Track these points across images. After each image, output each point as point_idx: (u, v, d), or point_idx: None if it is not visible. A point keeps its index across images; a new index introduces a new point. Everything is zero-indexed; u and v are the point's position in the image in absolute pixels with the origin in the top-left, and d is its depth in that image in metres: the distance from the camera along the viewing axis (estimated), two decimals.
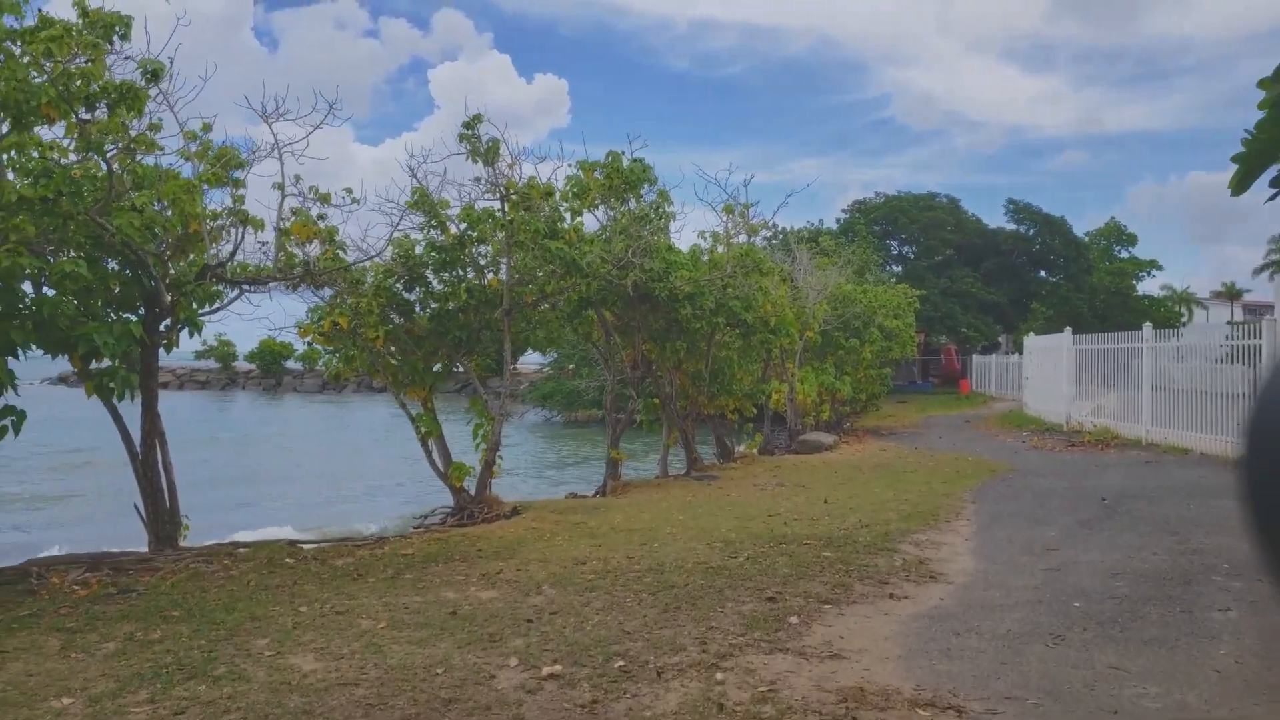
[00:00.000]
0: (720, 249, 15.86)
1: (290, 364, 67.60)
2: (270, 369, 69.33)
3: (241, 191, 10.30)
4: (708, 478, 14.94)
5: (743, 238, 15.50)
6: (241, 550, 9.38)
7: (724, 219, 15.24)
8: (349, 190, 10.91)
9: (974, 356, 54.33)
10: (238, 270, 10.27)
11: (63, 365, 9.11)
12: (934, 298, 51.24)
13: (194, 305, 9.59)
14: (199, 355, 70.70)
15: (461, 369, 13.40)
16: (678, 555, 8.74)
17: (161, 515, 9.58)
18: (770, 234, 25.67)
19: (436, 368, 13.24)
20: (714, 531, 10.03)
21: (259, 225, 10.50)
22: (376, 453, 29.46)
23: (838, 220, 61.45)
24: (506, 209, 12.28)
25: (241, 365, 72.15)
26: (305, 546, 9.61)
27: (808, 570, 8.14)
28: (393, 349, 13.16)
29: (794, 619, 6.65)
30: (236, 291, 10.59)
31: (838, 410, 25.94)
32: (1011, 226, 63.66)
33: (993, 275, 60.82)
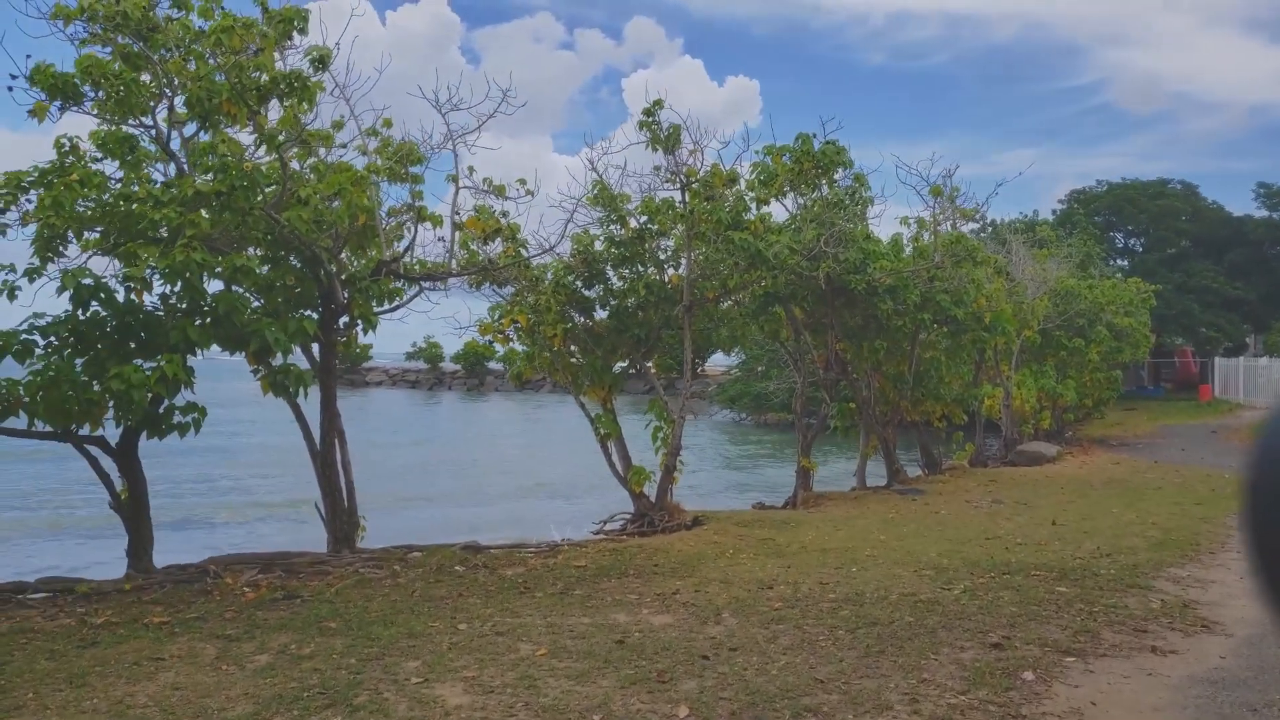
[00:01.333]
0: (926, 237, 14.34)
1: (492, 365, 70.76)
2: (474, 369, 72.42)
3: (420, 187, 10.08)
4: (912, 492, 13.53)
5: (951, 225, 13.93)
6: (414, 555, 9.06)
7: (930, 203, 13.76)
8: (523, 181, 10.40)
9: (1216, 359, 48.57)
10: (414, 267, 10.03)
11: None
12: (1167, 294, 46.05)
13: (370, 301, 9.39)
14: (409, 356, 74.88)
15: (642, 370, 12.74)
16: (880, 583, 7.59)
17: (340, 514, 9.44)
18: (980, 226, 23.56)
19: (617, 368, 12.64)
20: (922, 555, 8.77)
21: (436, 221, 10.23)
22: (565, 452, 29.52)
23: (1054, 212, 56.76)
24: (687, 199, 11.48)
25: (448, 366, 75.81)
26: (477, 554, 9.18)
27: (1040, 610, 6.79)
28: (573, 348, 12.71)
29: (1028, 674, 5.39)
30: (415, 289, 10.39)
31: (1059, 418, 23.46)
32: (1263, 213, 56.57)
33: (1239, 268, 54.26)
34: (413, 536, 11.74)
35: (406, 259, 9.81)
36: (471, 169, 10.43)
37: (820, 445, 18.33)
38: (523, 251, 12.12)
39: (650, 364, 13.30)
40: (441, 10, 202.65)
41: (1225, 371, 45.79)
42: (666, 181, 11.54)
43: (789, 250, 11.70)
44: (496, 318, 11.56)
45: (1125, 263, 55.19)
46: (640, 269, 12.24)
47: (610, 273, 12.18)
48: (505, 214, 12.12)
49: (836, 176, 13.37)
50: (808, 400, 14.66)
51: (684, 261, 11.92)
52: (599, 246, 12.06)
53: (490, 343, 12.27)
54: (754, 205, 12.86)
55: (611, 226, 12.09)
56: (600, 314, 12.42)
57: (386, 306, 9.85)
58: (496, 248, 11.87)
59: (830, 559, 8.64)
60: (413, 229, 10.00)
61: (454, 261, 10.48)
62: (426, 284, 10.36)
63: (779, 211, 13.68)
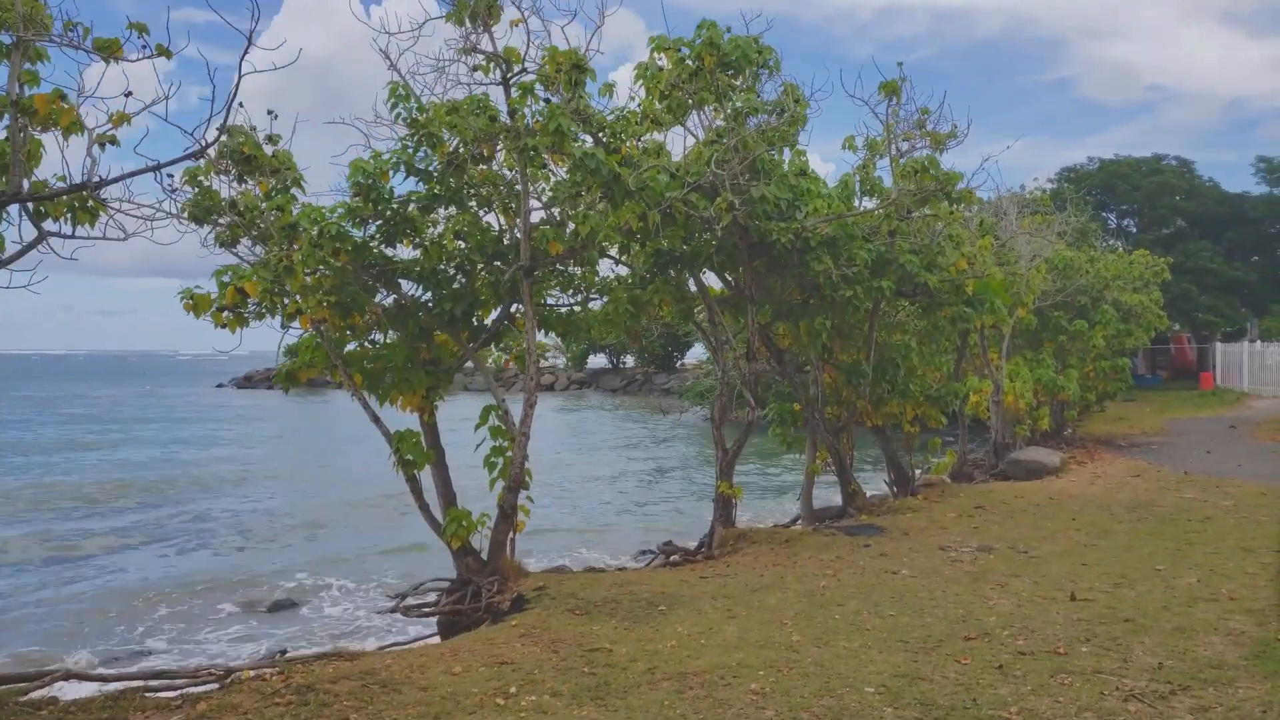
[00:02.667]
0: (881, 166, 10.26)
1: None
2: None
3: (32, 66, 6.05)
4: (866, 531, 9.61)
5: (919, 152, 9.91)
6: None
7: (883, 114, 9.69)
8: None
9: (1217, 345, 45.01)
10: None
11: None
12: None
13: None
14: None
15: (470, 360, 8.80)
16: None
17: None
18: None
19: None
20: (851, 688, 4.88)
21: (73, 128, 6.20)
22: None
23: (1043, 191, 53.06)
24: (508, 100, 7.53)
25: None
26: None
27: None
28: (378, 336, 8.80)
29: None
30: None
31: (1060, 416, 19.63)
32: (1262, 189, 53.05)
33: (1238, 248, 50.88)
34: None
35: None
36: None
37: (771, 447, 14.29)
38: (298, 192, 8.28)
39: (494, 353, 9.41)
40: None
41: (1228, 358, 42.32)
42: (476, 69, 7.58)
43: (668, 177, 7.73)
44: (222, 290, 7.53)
45: (1119, 244, 51.61)
46: (460, 213, 8.33)
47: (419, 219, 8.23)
48: (273, 139, 8.37)
49: (759, 86, 9.43)
50: (729, 402, 10.74)
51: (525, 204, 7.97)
52: (398, 180, 8.14)
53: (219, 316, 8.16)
54: (640, 135, 8.95)
55: (422, 152, 8.15)
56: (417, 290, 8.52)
57: None
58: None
59: (680, 706, 4.72)
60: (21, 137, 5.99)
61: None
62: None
63: (679, 145, 9.72)
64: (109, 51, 5.43)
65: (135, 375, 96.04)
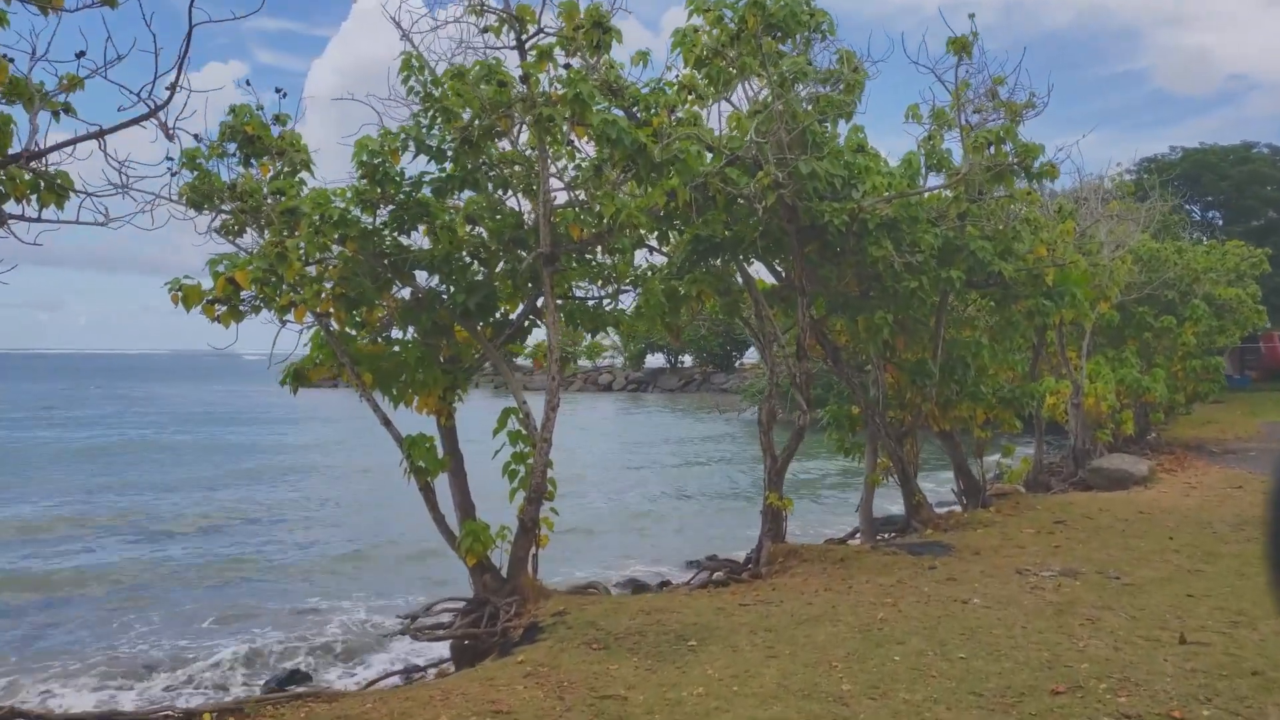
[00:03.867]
0: (949, 139, 9.10)
1: (521, 361, 67.17)
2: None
3: None
4: (931, 550, 8.58)
5: (994, 123, 8.76)
6: None
7: (950, 79, 8.55)
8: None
9: None
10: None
11: None
12: None
13: None
14: None
15: (492, 357, 8.03)
16: None
17: None
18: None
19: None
20: None
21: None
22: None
23: (1125, 179, 50.54)
24: (524, 66, 6.71)
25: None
26: None
27: None
28: (394, 331, 8.10)
29: None
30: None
31: (1144, 419, 18.18)
32: None
33: None
34: None
35: None
36: None
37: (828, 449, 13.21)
38: (308, 175, 7.68)
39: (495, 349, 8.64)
40: None
41: None
42: (486, 30, 6.78)
43: (701, 149, 6.83)
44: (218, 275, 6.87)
45: (1203, 237, 48.95)
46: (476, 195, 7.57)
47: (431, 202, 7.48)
48: (280, 119, 7.82)
49: (809, 53, 8.47)
50: (776, 405, 9.79)
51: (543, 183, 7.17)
52: (410, 161, 7.41)
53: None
54: (675, 106, 8.05)
55: (434, 129, 7.40)
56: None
57: None
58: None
59: None
60: None
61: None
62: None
63: (720, 121, 8.78)
64: (46, 3, 4.76)
65: (216, 374, 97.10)
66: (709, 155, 6.94)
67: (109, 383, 79.76)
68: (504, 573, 7.62)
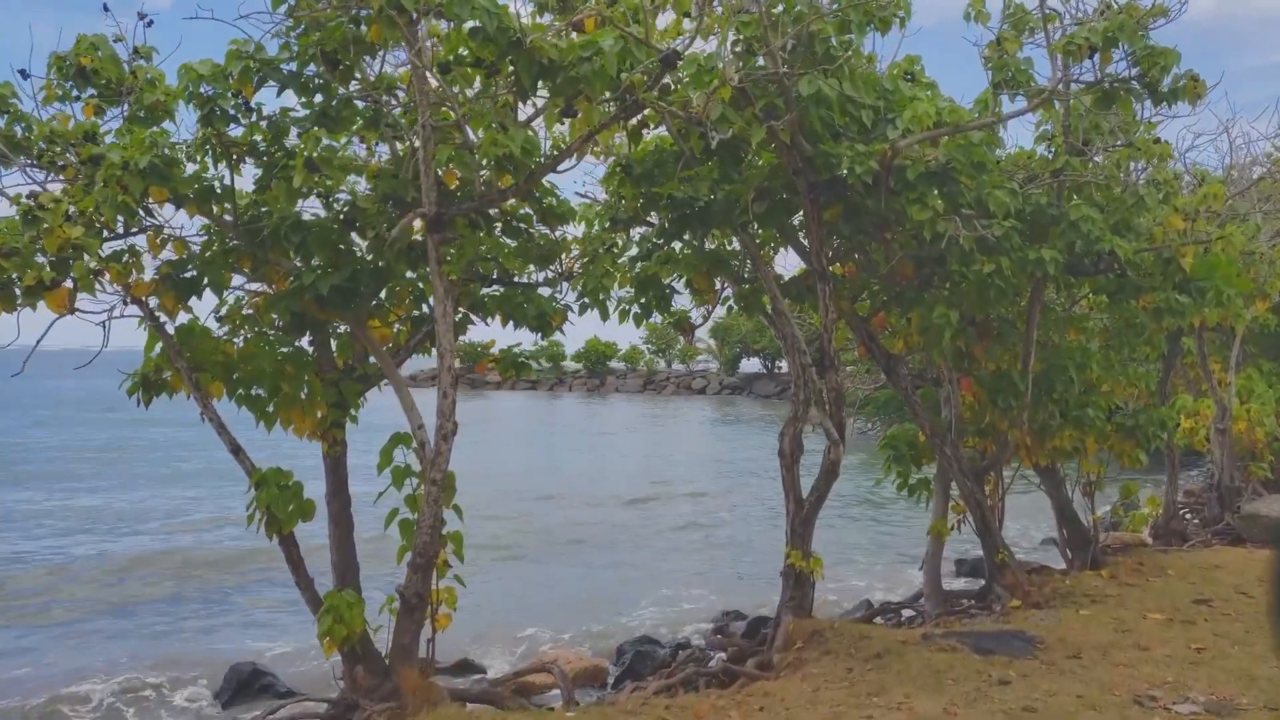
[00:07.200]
0: (1031, 47, 6.37)
1: (614, 364, 67.36)
2: (596, 369, 67.67)
3: None
4: (1008, 646, 5.97)
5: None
6: None
7: None
8: None
9: None
10: None
11: None
12: None
13: None
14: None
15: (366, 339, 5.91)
16: None
17: None
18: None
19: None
20: None
21: None
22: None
23: None
24: None
25: (569, 365, 71.24)
26: None
27: None
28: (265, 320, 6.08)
29: None
30: None
31: None
32: None
33: None
34: None
35: None
36: None
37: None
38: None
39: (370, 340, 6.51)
40: None
41: None
42: None
43: (628, 46, 4.52)
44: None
45: None
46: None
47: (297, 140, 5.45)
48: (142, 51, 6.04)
49: None
50: (800, 429, 7.33)
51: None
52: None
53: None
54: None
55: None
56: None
57: None
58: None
59: None
60: None
61: None
62: None
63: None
64: None
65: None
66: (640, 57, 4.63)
67: None
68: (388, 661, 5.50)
